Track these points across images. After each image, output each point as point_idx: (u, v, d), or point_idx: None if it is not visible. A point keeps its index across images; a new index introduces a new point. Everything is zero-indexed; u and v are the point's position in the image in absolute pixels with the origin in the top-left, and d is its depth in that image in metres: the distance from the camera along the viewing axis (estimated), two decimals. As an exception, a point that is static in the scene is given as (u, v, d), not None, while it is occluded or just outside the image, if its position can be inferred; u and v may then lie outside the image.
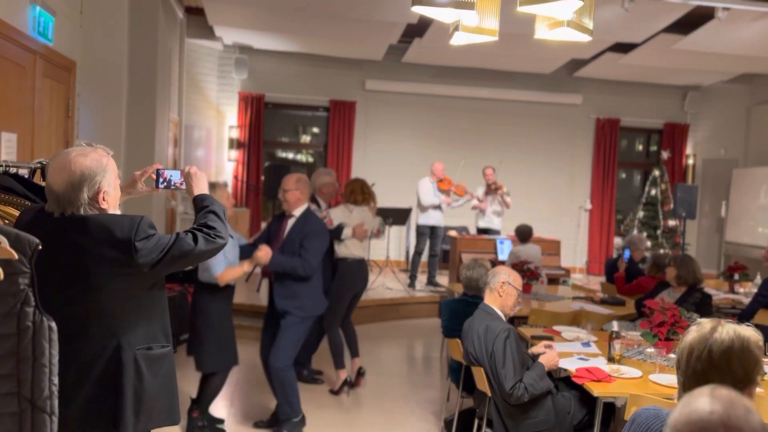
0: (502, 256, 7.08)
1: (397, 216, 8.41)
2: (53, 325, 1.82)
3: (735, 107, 10.65)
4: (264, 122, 10.22)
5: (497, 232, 8.31)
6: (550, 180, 10.75)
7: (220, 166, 10.11)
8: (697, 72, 9.74)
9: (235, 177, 10.11)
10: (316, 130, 10.87)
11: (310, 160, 11.03)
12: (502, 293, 3.49)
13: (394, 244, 10.09)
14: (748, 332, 1.73)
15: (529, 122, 10.71)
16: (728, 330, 1.70)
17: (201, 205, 2.22)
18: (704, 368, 1.66)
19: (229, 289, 4.02)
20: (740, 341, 1.69)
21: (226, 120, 10.12)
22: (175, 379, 2.21)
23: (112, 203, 2.07)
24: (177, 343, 5.85)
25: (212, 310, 3.94)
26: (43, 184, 2.17)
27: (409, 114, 10.45)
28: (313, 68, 10.13)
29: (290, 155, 11.05)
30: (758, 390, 2.74)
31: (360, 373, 5.23)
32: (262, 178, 9.96)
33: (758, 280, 6.20)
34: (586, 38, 3.45)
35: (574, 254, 10.74)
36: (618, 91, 10.81)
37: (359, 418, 4.64)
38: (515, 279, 3.55)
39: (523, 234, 6.82)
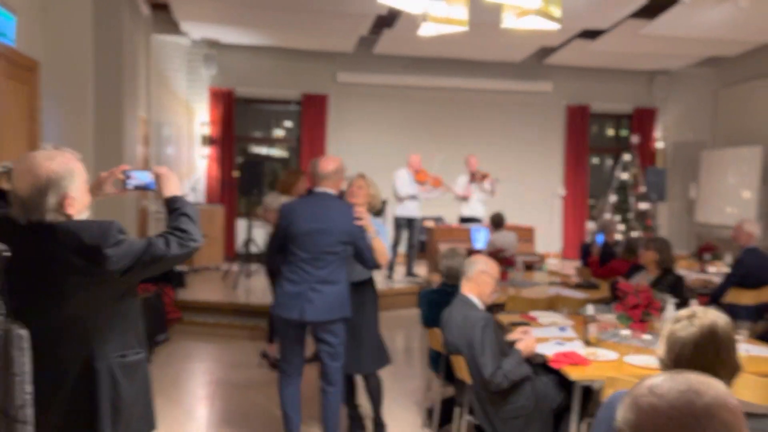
0: (477, 244, 7.10)
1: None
2: (24, 333, 1.78)
3: (702, 91, 10.80)
4: (235, 117, 10.13)
5: (481, 221, 8.32)
6: (523, 167, 10.81)
7: (192, 163, 10.00)
8: (665, 57, 9.86)
9: (208, 174, 10.01)
10: (288, 124, 10.80)
11: (285, 155, 10.96)
12: (479, 282, 3.52)
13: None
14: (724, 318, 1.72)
15: (501, 111, 10.76)
16: (723, 321, 1.69)
17: (172, 207, 2.14)
18: (711, 361, 1.62)
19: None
20: (730, 330, 1.68)
21: (196, 116, 10.00)
22: (150, 385, 2.17)
23: (79, 209, 2.00)
24: (153, 344, 5.80)
25: (368, 306, 4.02)
26: (8, 187, 2.11)
27: (381, 106, 10.43)
28: (283, 62, 10.05)
29: (264, 150, 10.97)
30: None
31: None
32: (236, 174, 9.88)
33: (728, 259, 6.32)
34: (554, 26, 3.47)
35: (549, 240, 10.84)
36: (587, 78, 10.91)
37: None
38: (492, 267, 3.57)
39: (496, 222, 6.89)
